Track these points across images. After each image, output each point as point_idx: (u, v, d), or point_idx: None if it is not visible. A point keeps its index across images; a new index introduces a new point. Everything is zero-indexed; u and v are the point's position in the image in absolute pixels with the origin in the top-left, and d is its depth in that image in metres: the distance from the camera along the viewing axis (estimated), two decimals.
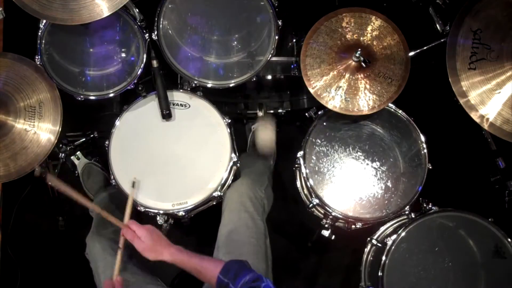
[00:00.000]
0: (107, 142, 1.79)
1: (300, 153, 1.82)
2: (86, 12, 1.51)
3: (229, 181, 1.81)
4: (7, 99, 1.65)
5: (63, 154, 2.06)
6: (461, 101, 1.62)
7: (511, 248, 1.63)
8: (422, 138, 1.81)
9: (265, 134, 2.14)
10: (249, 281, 1.27)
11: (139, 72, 1.79)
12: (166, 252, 1.43)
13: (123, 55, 1.86)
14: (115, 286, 1.44)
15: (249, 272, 1.31)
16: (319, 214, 1.85)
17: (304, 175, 1.78)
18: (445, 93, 1.66)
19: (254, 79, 1.90)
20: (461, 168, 2.28)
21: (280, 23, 1.78)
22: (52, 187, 2.04)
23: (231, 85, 1.90)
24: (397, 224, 1.78)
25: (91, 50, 1.86)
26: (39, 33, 1.68)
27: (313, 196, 1.78)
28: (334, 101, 1.69)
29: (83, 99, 1.83)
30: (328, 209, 1.75)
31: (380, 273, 1.63)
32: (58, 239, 2.28)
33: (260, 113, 2.22)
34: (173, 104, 1.83)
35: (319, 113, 1.86)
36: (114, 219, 1.53)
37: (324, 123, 1.85)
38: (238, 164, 1.82)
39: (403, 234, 1.65)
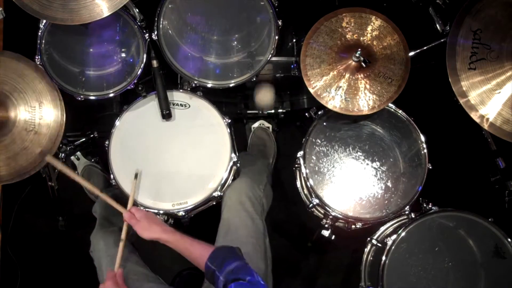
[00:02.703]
0: (107, 142, 1.79)
1: (300, 153, 1.82)
2: (86, 12, 1.51)
3: (229, 181, 1.81)
4: (7, 99, 1.65)
5: (63, 154, 2.06)
6: (461, 101, 1.62)
7: (511, 248, 1.63)
8: (422, 138, 1.81)
9: (264, 94, 2.16)
10: (234, 270, 1.26)
11: (139, 72, 1.79)
12: (159, 230, 1.47)
13: (123, 55, 1.86)
14: (117, 277, 1.45)
15: (236, 259, 1.30)
16: (319, 214, 1.85)
17: (304, 175, 1.78)
18: (445, 93, 1.66)
19: (254, 79, 1.90)
20: (461, 168, 2.28)
21: (280, 23, 1.77)
22: (52, 187, 2.04)
23: (231, 85, 1.90)
24: (397, 224, 1.78)
25: (91, 50, 1.86)
26: (39, 33, 1.68)
27: (313, 196, 1.78)
28: (334, 101, 1.69)
29: (83, 99, 1.83)
30: (328, 209, 1.75)
31: (380, 273, 1.63)
32: (58, 239, 2.28)
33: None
34: (173, 104, 1.83)
35: (319, 113, 1.86)
36: (115, 203, 1.58)
37: (324, 123, 1.85)
38: (238, 164, 1.82)
39: (403, 234, 1.65)
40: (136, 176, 1.72)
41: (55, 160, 1.62)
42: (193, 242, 1.44)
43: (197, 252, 1.40)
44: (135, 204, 1.74)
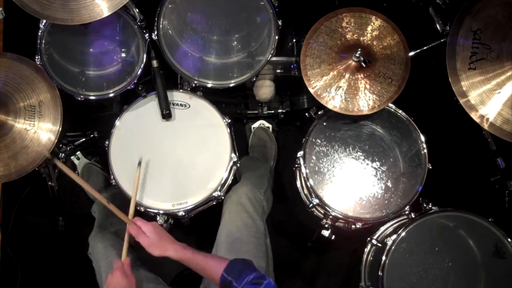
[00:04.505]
0: (107, 142, 1.79)
1: (300, 153, 1.82)
2: (86, 12, 1.51)
3: (229, 181, 1.81)
4: (7, 99, 1.65)
5: (63, 154, 2.06)
6: (461, 101, 1.62)
7: (511, 248, 1.63)
8: (422, 138, 1.81)
9: (263, 88, 2.17)
10: (253, 280, 1.27)
11: (139, 72, 1.79)
12: (171, 248, 1.44)
13: (123, 55, 1.86)
14: (125, 266, 1.45)
15: (253, 271, 1.31)
16: (319, 214, 1.85)
17: (304, 175, 1.78)
18: (445, 93, 1.66)
19: (254, 79, 1.90)
20: (461, 168, 2.28)
21: (280, 23, 1.78)
22: (52, 187, 2.03)
23: (231, 85, 1.90)
24: (397, 224, 1.78)
25: (91, 50, 1.86)
26: (39, 33, 1.68)
27: (313, 196, 1.78)
28: (334, 101, 1.69)
29: (83, 99, 1.83)
30: (328, 209, 1.75)
31: (380, 273, 1.63)
32: (58, 239, 2.28)
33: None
34: (173, 104, 1.83)
35: (319, 113, 1.86)
36: (120, 212, 1.53)
37: (324, 123, 1.85)
38: (238, 164, 1.82)
39: (403, 234, 1.65)
40: (139, 163, 1.69)
41: (61, 163, 1.59)
42: (205, 256, 1.42)
43: (210, 266, 1.39)
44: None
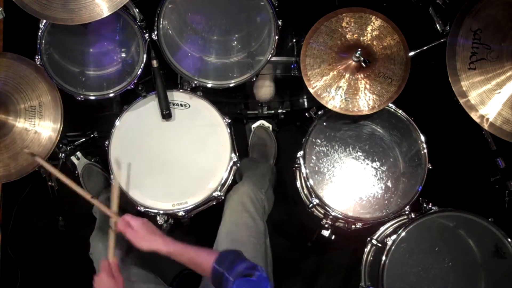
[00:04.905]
0: (107, 142, 1.79)
1: (300, 153, 1.82)
2: (86, 12, 1.51)
3: (229, 181, 1.81)
4: (7, 99, 1.65)
5: (63, 154, 2.06)
6: (461, 101, 1.62)
7: (511, 248, 1.63)
8: (422, 138, 1.81)
9: (263, 89, 2.13)
10: (245, 270, 1.25)
11: (139, 72, 1.79)
12: (160, 241, 1.40)
13: (123, 55, 1.86)
14: (111, 267, 1.42)
15: (244, 261, 1.30)
16: (319, 214, 1.85)
17: (304, 175, 1.78)
18: (445, 93, 1.66)
19: (254, 79, 1.90)
20: (461, 168, 2.28)
21: (280, 23, 1.78)
22: (52, 187, 2.03)
23: (231, 85, 1.90)
24: (397, 224, 1.78)
25: (91, 50, 1.86)
26: (39, 33, 1.68)
27: (313, 196, 1.78)
28: (334, 101, 1.69)
29: (83, 99, 1.83)
30: (328, 209, 1.75)
31: (380, 273, 1.63)
32: (58, 239, 2.28)
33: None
34: (173, 104, 1.83)
35: (319, 113, 1.86)
36: (106, 208, 1.51)
37: (324, 123, 1.85)
38: (238, 164, 1.82)
39: (403, 234, 1.65)
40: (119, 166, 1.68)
41: (44, 161, 1.55)
42: (196, 250, 1.40)
43: (201, 258, 1.36)
44: (135, 204, 1.74)
